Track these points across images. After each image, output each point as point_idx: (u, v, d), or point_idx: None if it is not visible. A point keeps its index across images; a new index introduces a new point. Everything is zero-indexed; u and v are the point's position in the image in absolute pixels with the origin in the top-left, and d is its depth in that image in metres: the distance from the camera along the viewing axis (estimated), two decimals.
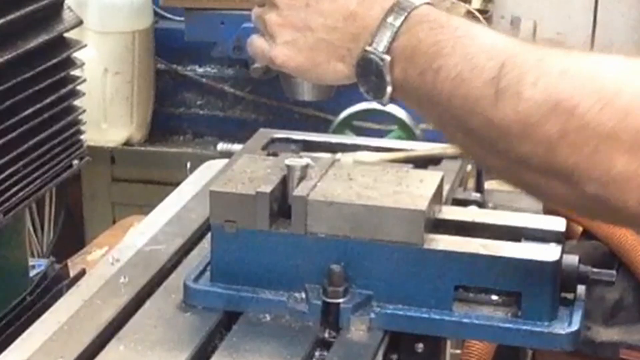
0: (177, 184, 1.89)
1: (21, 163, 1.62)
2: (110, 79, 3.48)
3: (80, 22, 1.75)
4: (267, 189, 1.36)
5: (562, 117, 1.07)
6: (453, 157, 1.82)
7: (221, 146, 2.07)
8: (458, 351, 1.69)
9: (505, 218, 1.43)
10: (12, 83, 1.56)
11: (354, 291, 1.35)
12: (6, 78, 1.55)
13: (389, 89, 1.24)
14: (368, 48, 1.24)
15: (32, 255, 2.93)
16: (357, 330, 1.34)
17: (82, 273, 1.69)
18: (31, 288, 1.73)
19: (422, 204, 1.34)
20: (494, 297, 1.35)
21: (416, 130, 2.98)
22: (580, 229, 1.97)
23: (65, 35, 1.73)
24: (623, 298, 1.98)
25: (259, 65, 1.40)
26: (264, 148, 1.92)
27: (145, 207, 2.12)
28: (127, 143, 3.59)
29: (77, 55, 1.76)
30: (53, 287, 1.73)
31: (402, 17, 1.22)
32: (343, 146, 1.94)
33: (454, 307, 1.34)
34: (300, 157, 1.46)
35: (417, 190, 1.38)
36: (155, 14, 3.62)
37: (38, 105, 1.64)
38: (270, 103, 3.60)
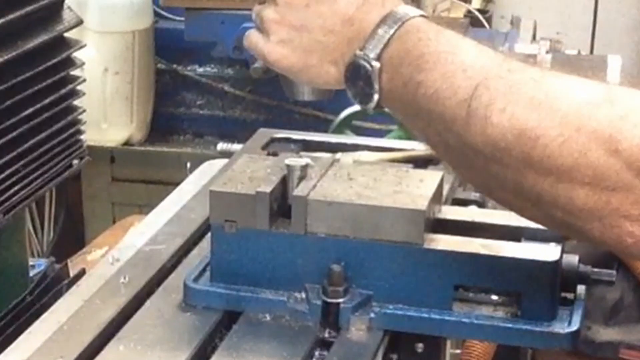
0: (177, 184, 1.89)
1: (21, 163, 1.62)
2: (110, 79, 3.48)
3: (80, 22, 1.75)
4: (267, 188, 1.36)
5: (527, 146, 1.09)
6: None
7: (221, 146, 2.07)
8: (458, 351, 1.69)
9: (505, 218, 1.43)
10: (12, 83, 1.56)
11: (354, 291, 1.35)
12: (6, 78, 1.55)
13: (375, 97, 1.24)
14: (359, 53, 1.24)
15: (32, 255, 2.93)
16: (357, 330, 1.34)
17: (82, 273, 1.69)
18: (31, 288, 1.73)
19: (422, 204, 1.34)
20: (494, 297, 1.35)
21: None
22: None
23: (65, 35, 1.73)
24: (623, 298, 1.98)
25: (259, 65, 1.39)
26: (264, 148, 1.92)
27: (145, 207, 2.12)
28: (127, 143, 3.59)
29: (77, 55, 1.76)
30: (53, 287, 1.73)
31: (396, 27, 1.23)
32: (343, 146, 1.94)
33: (454, 307, 1.34)
34: (300, 157, 1.46)
35: (417, 190, 1.38)
36: (155, 14, 3.62)
37: (38, 105, 1.64)
38: (270, 103, 3.60)
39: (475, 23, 3.64)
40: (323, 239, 1.35)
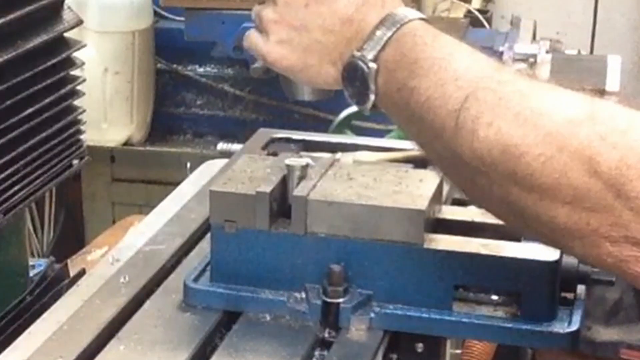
0: (177, 183, 1.89)
1: (21, 163, 1.62)
2: (110, 79, 3.48)
3: (80, 22, 1.75)
4: (267, 188, 1.36)
5: (511, 162, 1.10)
6: None
7: (221, 146, 2.07)
8: (458, 351, 1.69)
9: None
10: (12, 83, 1.56)
11: (354, 291, 1.35)
12: (6, 78, 1.55)
13: (371, 97, 1.24)
14: (356, 53, 1.24)
15: (32, 255, 2.93)
16: (357, 330, 1.34)
17: (82, 273, 1.69)
18: (31, 288, 1.73)
19: (422, 204, 1.34)
20: (494, 297, 1.35)
21: None
22: None
23: (65, 35, 1.72)
24: (623, 298, 1.98)
25: (259, 65, 1.39)
26: (264, 148, 1.92)
27: (145, 207, 2.12)
28: (127, 143, 3.59)
29: (77, 55, 1.76)
30: (53, 287, 1.73)
31: (394, 29, 1.23)
32: (343, 146, 1.94)
33: (453, 307, 1.34)
34: (300, 156, 1.46)
35: (417, 190, 1.38)
36: (155, 14, 3.62)
37: (38, 105, 1.64)
38: (270, 103, 3.60)
39: (475, 23, 3.64)
40: (323, 239, 1.35)
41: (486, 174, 1.12)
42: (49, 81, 1.67)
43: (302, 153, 1.80)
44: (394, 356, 1.36)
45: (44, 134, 1.67)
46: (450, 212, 1.46)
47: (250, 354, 1.29)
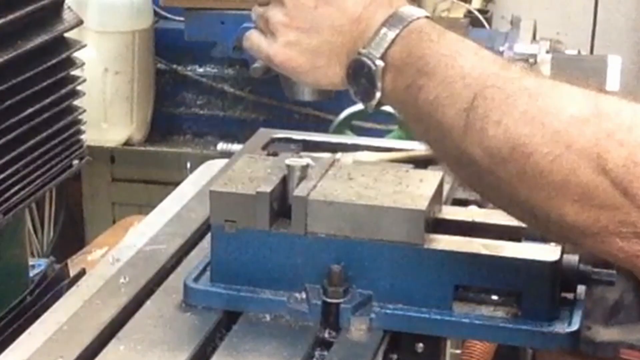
0: (177, 183, 1.89)
1: (21, 163, 1.62)
2: (110, 79, 3.48)
3: (80, 22, 1.75)
4: (267, 188, 1.36)
5: (520, 161, 1.11)
6: None
7: (221, 146, 2.07)
8: (458, 351, 1.69)
9: (505, 218, 1.42)
10: (12, 83, 1.56)
11: (354, 291, 1.35)
12: (6, 78, 1.55)
13: (377, 95, 1.25)
14: (362, 51, 1.24)
15: (32, 255, 2.93)
16: (357, 330, 1.34)
17: (82, 273, 1.69)
18: (31, 288, 1.73)
19: (422, 204, 1.34)
20: (494, 297, 1.35)
21: None
22: None
23: (65, 35, 1.72)
24: (623, 298, 1.98)
25: (258, 65, 1.39)
26: (264, 148, 1.92)
27: (145, 207, 2.12)
28: (127, 143, 3.58)
29: (77, 55, 1.76)
30: (53, 287, 1.73)
31: (401, 27, 1.23)
32: (343, 146, 1.94)
33: (454, 307, 1.34)
34: (300, 157, 1.46)
35: (417, 190, 1.38)
36: (155, 14, 3.62)
37: (38, 105, 1.64)
38: (270, 103, 3.60)
39: (475, 23, 3.64)
40: (323, 239, 1.35)
41: (495, 172, 1.13)
42: (49, 81, 1.66)
43: (302, 153, 1.81)
44: (394, 356, 1.36)
45: (44, 134, 1.67)
46: (451, 212, 1.46)
47: (250, 354, 1.29)
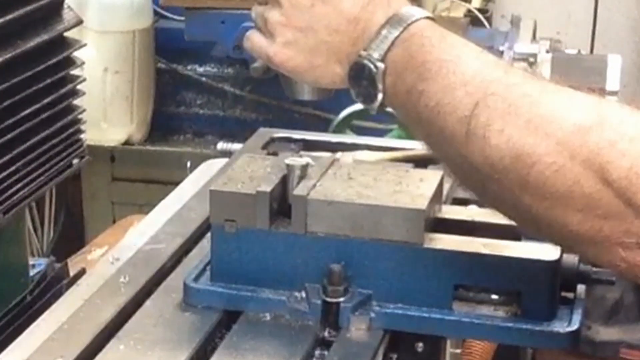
0: (177, 183, 1.89)
1: (21, 162, 1.62)
2: (110, 79, 3.47)
3: (80, 22, 1.75)
4: (267, 188, 1.36)
5: (523, 170, 1.11)
6: None
7: (221, 145, 2.07)
8: (458, 351, 1.69)
9: (505, 217, 1.43)
10: (12, 82, 1.56)
11: (354, 290, 1.35)
12: (6, 78, 1.55)
13: (379, 97, 1.24)
14: (363, 53, 1.24)
15: (32, 255, 2.92)
16: (357, 329, 1.34)
17: (82, 272, 1.69)
18: (31, 288, 1.73)
19: (422, 203, 1.34)
20: (494, 297, 1.35)
21: None
22: None
23: (65, 34, 1.72)
24: (623, 298, 1.98)
25: (258, 64, 1.39)
26: (264, 147, 1.92)
27: (145, 207, 2.12)
28: (127, 142, 3.58)
29: (77, 54, 1.76)
30: (53, 286, 1.73)
31: (401, 28, 1.23)
32: (343, 145, 1.94)
33: (453, 307, 1.34)
34: (300, 156, 1.46)
35: (417, 189, 1.38)
36: (155, 13, 3.61)
37: (38, 105, 1.64)
38: (270, 102, 3.60)
39: (475, 22, 3.64)
40: (323, 239, 1.35)
41: (498, 180, 1.13)
42: (49, 81, 1.66)
43: (302, 152, 1.81)
44: (394, 356, 1.36)
45: (44, 134, 1.67)
46: (451, 212, 1.46)
47: (250, 354, 1.29)
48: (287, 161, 1.40)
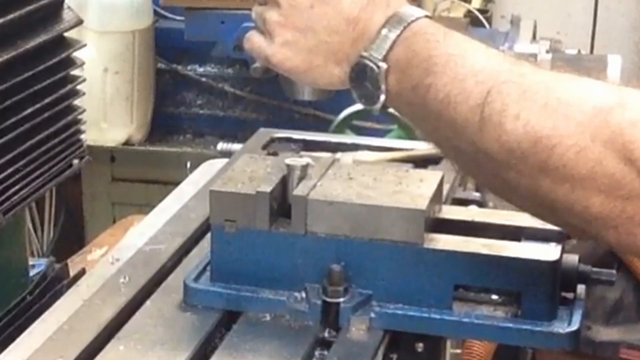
0: (177, 183, 1.89)
1: (21, 163, 1.62)
2: (110, 79, 3.48)
3: (80, 22, 1.75)
4: (267, 188, 1.36)
5: (543, 154, 1.10)
6: None
7: (221, 146, 2.07)
8: (458, 351, 1.69)
9: (505, 217, 1.43)
10: (12, 82, 1.56)
11: (354, 291, 1.35)
12: (6, 78, 1.55)
13: (382, 97, 1.24)
14: (364, 54, 1.24)
15: (32, 255, 2.93)
16: (357, 329, 1.34)
17: (82, 273, 1.69)
18: (31, 288, 1.72)
19: (422, 204, 1.34)
20: (494, 297, 1.35)
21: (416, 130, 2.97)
22: None
23: (65, 34, 1.72)
24: (623, 298, 1.98)
25: (258, 64, 1.39)
26: (264, 147, 1.92)
27: (145, 207, 2.12)
28: (127, 143, 3.58)
29: (77, 54, 1.76)
30: (53, 286, 1.73)
31: (402, 28, 1.23)
32: (343, 146, 1.94)
33: (454, 307, 1.34)
34: (300, 156, 1.46)
35: (417, 189, 1.38)
36: (155, 13, 3.62)
37: (38, 105, 1.64)
38: (270, 103, 3.60)
39: (475, 22, 3.64)
40: (323, 239, 1.35)
41: (515, 167, 1.12)
42: (49, 81, 1.66)
43: (302, 153, 1.81)
44: (394, 356, 1.36)
45: (44, 134, 1.67)
46: (451, 212, 1.46)
47: (250, 354, 1.29)
48: (287, 161, 1.40)
